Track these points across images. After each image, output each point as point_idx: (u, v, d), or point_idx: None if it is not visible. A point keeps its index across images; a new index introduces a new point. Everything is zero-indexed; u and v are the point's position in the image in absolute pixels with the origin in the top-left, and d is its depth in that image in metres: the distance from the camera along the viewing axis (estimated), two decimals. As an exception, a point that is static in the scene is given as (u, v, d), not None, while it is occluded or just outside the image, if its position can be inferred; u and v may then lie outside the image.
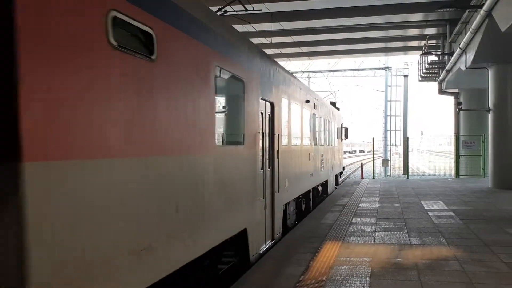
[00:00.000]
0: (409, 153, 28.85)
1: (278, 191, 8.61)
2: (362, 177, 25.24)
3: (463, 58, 18.58)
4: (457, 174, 24.01)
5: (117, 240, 3.45)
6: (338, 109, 20.36)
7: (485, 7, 13.59)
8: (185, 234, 4.57)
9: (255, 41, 22.64)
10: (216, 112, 5.41)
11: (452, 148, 29.79)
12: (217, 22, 5.54)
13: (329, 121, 16.33)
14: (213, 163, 5.39)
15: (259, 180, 7.34)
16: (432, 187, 18.60)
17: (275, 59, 17.35)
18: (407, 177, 25.17)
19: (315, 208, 13.10)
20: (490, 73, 17.91)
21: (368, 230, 9.48)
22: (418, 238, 8.71)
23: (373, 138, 28.38)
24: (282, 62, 30.19)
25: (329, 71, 39.82)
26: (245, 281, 6.11)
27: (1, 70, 2.67)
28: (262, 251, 7.20)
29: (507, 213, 11.64)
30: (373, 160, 26.55)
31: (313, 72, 40.19)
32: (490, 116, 18.11)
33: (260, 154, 7.46)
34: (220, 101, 5.93)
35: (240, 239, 6.68)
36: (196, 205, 4.88)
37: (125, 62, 3.57)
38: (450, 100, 27.53)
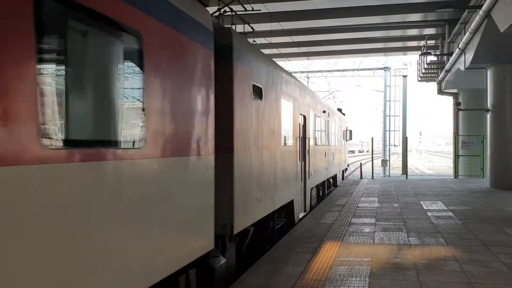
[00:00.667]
0: (408, 153, 29.04)
1: (308, 178, 11.99)
2: (361, 177, 25.37)
3: (462, 58, 18.62)
4: (456, 174, 24.08)
5: (254, 193, 7.14)
6: (343, 114, 23.24)
7: (484, 7, 13.62)
8: (270, 196, 8.10)
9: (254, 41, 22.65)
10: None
11: (451, 148, 29.86)
12: (283, 72, 9.23)
13: (338, 126, 19.28)
14: (280, 157, 8.72)
15: (298, 169, 10.67)
16: (431, 187, 18.65)
17: (274, 59, 17.28)
18: (406, 177, 25.22)
19: (328, 195, 16.10)
20: (489, 74, 17.94)
21: (367, 230, 9.51)
22: (417, 238, 8.73)
23: (372, 138, 28.48)
24: (281, 62, 30.20)
25: (328, 71, 39.89)
26: (245, 281, 6.12)
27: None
28: (300, 216, 10.46)
29: (506, 213, 11.67)
30: (372, 160, 26.66)
31: (312, 72, 40.24)
32: (489, 116, 18.14)
33: (298, 151, 10.70)
34: (282, 116, 9.01)
35: (289, 207, 10.09)
36: (274, 182, 8.32)
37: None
38: (449, 100, 27.61)
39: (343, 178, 22.14)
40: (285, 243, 8.41)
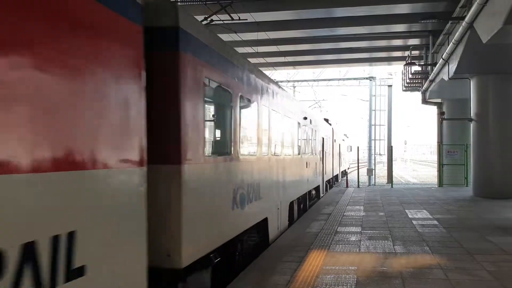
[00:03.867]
0: (393, 162, 29.69)
1: (325, 174, 19.38)
2: (347, 186, 25.55)
3: (446, 68, 18.86)
4: (440, 183, 24.27)
5: (288, 181, 10.78)
6: (330, 124, 26.69)
7: (467, 19, 13.82)
8: (300, 184, 12.27)
9: (241, 50, 22.74)
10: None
11: (435, 157, 30.10)
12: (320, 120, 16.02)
13: (339, 143, 29.26)
14: (312, 160, 15.24)
15: (319, 168, 17.25)
16: (416, 195, 18.75)
17: (260, 68, 17.47)
18: (391, 186, 25.42)
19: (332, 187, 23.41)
20: (472, 84, 18.18)
21: (354, 239, 9.52)
22: (403, 247, 8.74)
23: (357, 147, 28.53)
24: (267, 72, 30.24)
25: (314, 80, 39.98)
26: (231, 291, 6.11)
27: None
28: (321, 197, 13.65)
29: (489, 221, 11.75)
30: (358, 169, 26.86)
31: (298, 81, 40.32)
32: (472, 125, 18.35)
33: (319, 158, 17.39)
34: (313, 136, 15.64)
35: (316, 191, 16.82)
36: (306, 176, 13.90)
37: None
38: (433, 110, 27.89)
39: (327, 190, 22.31)
40: (271, 252, 8.37)
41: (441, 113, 24.44)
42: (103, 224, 3.35)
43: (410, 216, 12.70)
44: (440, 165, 24.25)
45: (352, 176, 39.55)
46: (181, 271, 4.71)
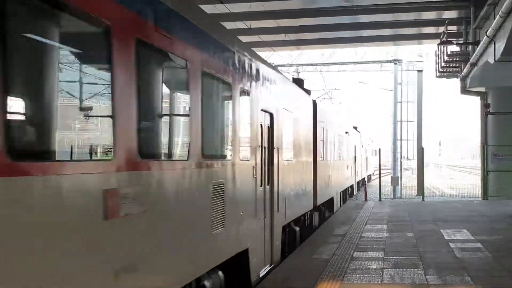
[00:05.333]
0: (424, 168, 29.12)
1: (356, 176, 31.63)
2: (366, 199, 25.88)
3: (491, 48, 18.86)
4: (485, 195, 24.26)
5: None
6: (358, 132, 35.84)
7: (518, -16, 13.83)
8: (345, 180, 25.45)
9: (229, 25, 22.61)
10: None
11: (478, 162, 30.13)
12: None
13: (365, 148, 40.96)
14: (349, 164, 27.37)
15: (353, 170, 28.98)
16: (453, 211, 18.96)
17: (255, 49, 17.58)
18: (423, 199, 25.61)
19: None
20: (526, 68, 18.16)
21: (374, 267, 9.60)
22: (437, 277, 8.78)
23: (379, 150, 28.59)
24: (264, 54, 30.01)
25: (323, 64, 39.78)
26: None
27: None
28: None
29: (549, 244, 11.87)
30: (380, 177, 27.81)
31: (303, 65, 40.08)
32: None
33: (353, 162, 28.96)
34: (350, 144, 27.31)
35: (351, 188, 29.09)
36: (347, 175, 26.63)
37: None
38: (475, 102, 27.92)
39: (369, 181, 32.26)
40: (272, 284, 8.34)
41: (485, 106, 24.36)
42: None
43: (446, 238, 12.84)
44: (485, 172, 24.21)
45: (373, 186, 39.36)
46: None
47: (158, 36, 5.69)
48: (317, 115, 17.14)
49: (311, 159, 15.97)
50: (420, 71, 35.80)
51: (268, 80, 10.83)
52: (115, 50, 4.88)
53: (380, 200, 25.41)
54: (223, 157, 8.06)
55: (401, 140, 35.58)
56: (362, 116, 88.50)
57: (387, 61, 37.63)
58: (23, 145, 3.87)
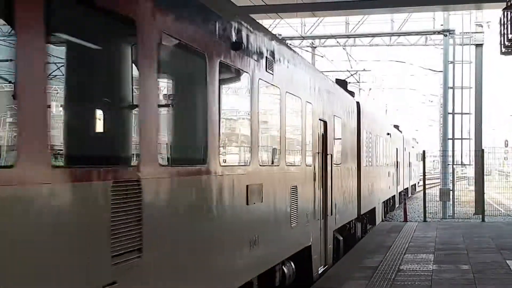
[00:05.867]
0: (485, 177, 27.88)
1: (398, 185, 34.60)
2: (405, 219, 25.11)
3: None
4: None
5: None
6: (416, 140, 42.06)
7: None
8: (387, 189, 29.88)
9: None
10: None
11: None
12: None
13: (409, 151, 43.73)
14: (391, 170, 31.53)
15: (395, 178, 33.16)
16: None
17: (257, 16, 15.84)
18: (483, 219, 24.85)
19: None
20: None
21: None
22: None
23: (423, 152, 27.98)
24: (268, 22, 29.05)
25: (348, 36, 36.22)
26: None
27: None
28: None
29: None
30: (424, 189, 26.37)
31: (320, 37, 36.95)
32: None
33: (395, 169, 33.48)
34: (391, 148, 32.53)
35: (393, 200, 33.57)
36: (389, 184, 30.42)
37: None
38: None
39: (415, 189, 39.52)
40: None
41: None
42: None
43: (516, 273, 12.71)
44: None
45: (415, 201, 37.71)
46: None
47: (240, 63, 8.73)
48: (360, 117, 19.79)
49: (355, 165, 18.84)
50: (479, 45, 32.07)
51: (323, 90, 13.89)
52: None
53: (424, 220, 24.80)
54: (296, 163, 11.52)
55: (453, 139, 31.31)
56: (400, 108, 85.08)
57: (435, 32, 34.32)
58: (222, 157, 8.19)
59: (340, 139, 15.95)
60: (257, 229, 9.17)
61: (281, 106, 10.39)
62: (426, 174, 29.63)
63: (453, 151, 31.37)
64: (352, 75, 42.33)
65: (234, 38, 8.32)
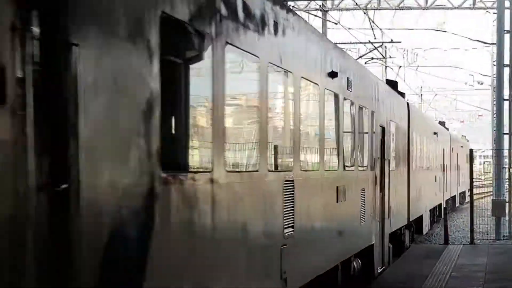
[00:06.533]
0: None
1: (445, 192, 38.04)
2: (447, 241, 24.03)
3: None
4: None
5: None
6: (466, 138, 42.90)
7: None
8: (433, 195, 32.93)
9: None
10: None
11: None
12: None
13: (456, 152, 45.36)
14: (437, 174, 35.43)
15: (441, 183, 36.54)
16: None
17: None
18: None
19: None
20: None
21: None
22: None
23: (470, 152, 27.23)
24: None
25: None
26: None
27: None
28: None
29: None
30: (471, 201, 25.69)
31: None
32: None
33: (441, 173, 37.26)
34: (438, 148, 36.05)
35: (439, 208, 36.30)
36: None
37: None
38: None
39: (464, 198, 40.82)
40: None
41: None
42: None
43: None
44: None
45: (460, 215, 36.90)
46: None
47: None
48: (409, 119, 22.35)
49: (406, 169, 21.73)
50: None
51: (383, 97, 17.64)
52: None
53: (471, 242, 23.62)
54: (364, 168, 15.22)
55: (510, 134, 28.65)
56: (440, 92, 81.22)
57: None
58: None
59: (395, 143, 19.47)
60: (342, 223, 13.11)
61: (356, 118, 14.29)
62: (474, 180, 28.60)
63: (510, 149, 28.83)
64: (376, 48, 39.12)
65: (332, 67, 12.24)
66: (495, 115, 31.57)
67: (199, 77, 7.43)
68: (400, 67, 47.68)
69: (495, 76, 32.41)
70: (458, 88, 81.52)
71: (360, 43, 38.69)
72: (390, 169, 18.09)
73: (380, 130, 16.76)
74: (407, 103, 22.27)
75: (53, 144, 4.63)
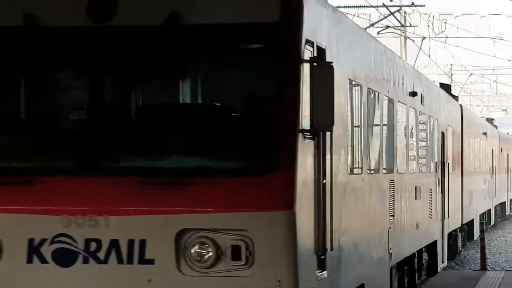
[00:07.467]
0: None
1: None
2: (484, 266, 23.66)
3: None
4: None
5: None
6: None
7: None
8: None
9: None
10: None
11: None
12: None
13: (507, 153, 57.05)
14: (484, 178, 43.73)
15: (492, 186, 49.48)
16: None
17: None
18: None
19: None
20: None
21: None
22: None
23: (500, 150, 30.54)
24: None
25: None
26: None
27: None
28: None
29: None
30: None
31: None
32: None
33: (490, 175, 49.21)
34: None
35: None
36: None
37: None
38: None
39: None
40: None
41: None
42: None
43: None
44: None
45: (505, 230, 38.92)
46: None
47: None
48: (463, 121, 27.98)
49: (460, 172, 27.85)
50: None
51: (443, 104, 23.62)
52: None
53: None
54: (432, 170, 20.99)
55: None
56: (476, 71, 78.60)
57: None
58: None
59: (452, 147, 24.59)
60: (418, 217, 18.60)
61: (427, 127, 20.35)
62: None
63: None
64: (392, 13, 36.41)
65: (412, 88, 18.22)
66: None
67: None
68: (424, 38, 44.07)
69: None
70: (499, 66, 79.20)
71: (372, 6, 35.52)
72: (449, 172, 23.79)
73: (441, 135, 22.54)
74: (460, 106, 27.36)
75: None
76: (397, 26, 38.34)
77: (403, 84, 17.33)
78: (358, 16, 35.19)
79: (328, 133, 10.12)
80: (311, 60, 9.42)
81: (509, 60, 67.12)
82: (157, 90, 10.24)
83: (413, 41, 42.29)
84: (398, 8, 37.33)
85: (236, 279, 8.82)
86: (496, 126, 41.45)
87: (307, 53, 9.42)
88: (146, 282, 8.94)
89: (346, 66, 11.87)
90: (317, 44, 9.93)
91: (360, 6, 35.88)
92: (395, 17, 37.23)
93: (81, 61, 9.84)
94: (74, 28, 9.71)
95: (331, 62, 9.68)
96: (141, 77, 10.11)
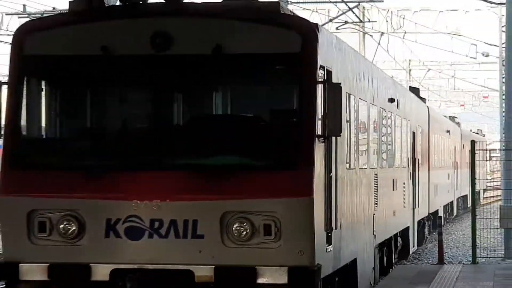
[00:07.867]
0: None
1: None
2: (442, 260, 24.37)
3: None
4: None
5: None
6: (484, 135, 69.30)
7: None
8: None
9: None
10: None
11: None
12: None
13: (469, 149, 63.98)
14: (447, 172, 48.62)
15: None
16: None
17: None
18: None
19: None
20: None
21: None
22: None
23: (472, 144, 26.79)
24: None
25: None
26: None
27: None
28: (455, 213, 50.92)
29: None
30: (473, 208, 25.75)
31: None
32: None
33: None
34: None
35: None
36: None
37: None
38: None
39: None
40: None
41: None
42: None
43: None
44: None
45: (464, 224, 38.68)
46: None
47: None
48: (429, 121, 32.69)
49: (427, 166, 32.16)
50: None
51: (414, 107, 27.84)
52: None
53: (474, 261, 23.97)
54: (403, 165, 25.04)
55: None
56: (434, 66, 79.21)
57: None
58: None
59: (421, 144, 28.87)
60: (395, 205, 22.06)
61: (402, 128, 24.16)
62: (477, 181, 29.88)
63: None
64: (350, 9, 36.82)
65: (391, 95, 21.51)
66: (504, 97, 29.45)
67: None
68: (382, 34, 44.84)
69: (504, 45, 30.57)
70: (457, 62, 79.59)
71: (331, 2, 35.47)
72: (419, 167, 27.68)
73: (412, 134, 26.22)
74: (427, 107, 31.95)
75: None
76: (355, 22, 38.81)
77: (384, 92, 20.76)
78: (317, 11, 35.22)
79: (334, 137, 12.51)
80: (323, 81, 11.76)
81: (466, 55, 67.63)
82: (206, 104, 12.99)
83: (372, 36, 43.01)
84: (357, 3, 37.73)
85: (267, 250, 11.29)
86: (458, 124, 44.65)
87: (320, 75, 11.81)
88: (197, 252, 11.50)
89: (345, 83, 14.01)
90: (327, 68, 12.32)
91: (319, 2, 36.26)
92: (353, 12, 37.71)
93: (147, 81, 12.49)
94: (150, 56, 12.26)
95: (340, 83, 12.04)
96: (193, 94, 12.94)
